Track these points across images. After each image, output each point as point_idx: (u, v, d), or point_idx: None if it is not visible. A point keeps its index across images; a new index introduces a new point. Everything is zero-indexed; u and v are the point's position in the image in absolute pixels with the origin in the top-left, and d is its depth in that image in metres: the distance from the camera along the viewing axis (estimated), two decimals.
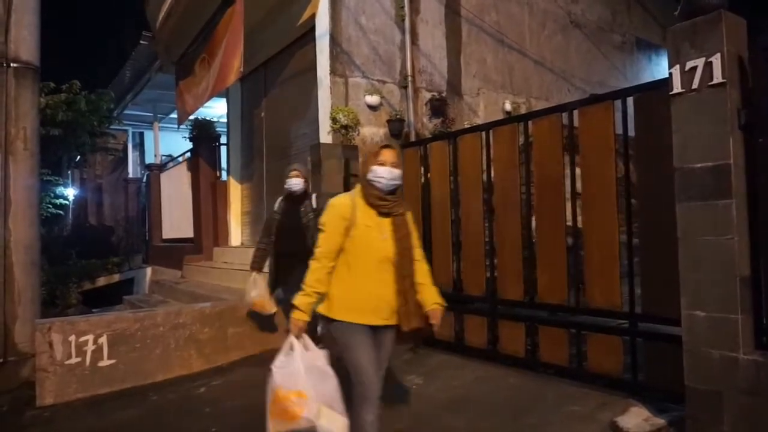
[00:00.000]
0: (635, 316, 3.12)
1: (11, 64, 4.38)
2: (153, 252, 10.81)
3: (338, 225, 2.30)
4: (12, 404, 3.80)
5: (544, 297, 3.62)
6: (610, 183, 3.24)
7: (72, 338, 3.83)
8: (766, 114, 2.41)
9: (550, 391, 3.27)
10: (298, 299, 2.30)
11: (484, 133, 4.10)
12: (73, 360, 3.82)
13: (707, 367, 2.44)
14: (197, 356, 4.34)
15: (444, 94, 6.41)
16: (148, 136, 14.35)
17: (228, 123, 8.91)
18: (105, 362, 3.93)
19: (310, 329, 2.37)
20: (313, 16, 5.79)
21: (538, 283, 3.67)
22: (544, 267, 3.63)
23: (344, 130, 5.53)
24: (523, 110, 6.88)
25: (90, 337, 3.89)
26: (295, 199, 4.22)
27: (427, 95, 6.29)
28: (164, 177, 10.64)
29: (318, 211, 4.13)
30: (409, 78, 6.13)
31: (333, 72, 5.68)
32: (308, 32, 6.12)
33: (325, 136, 5.61)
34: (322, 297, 2.33)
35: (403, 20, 6.14)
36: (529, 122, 3.79)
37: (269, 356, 4.21)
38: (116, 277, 11.29)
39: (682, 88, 2.53)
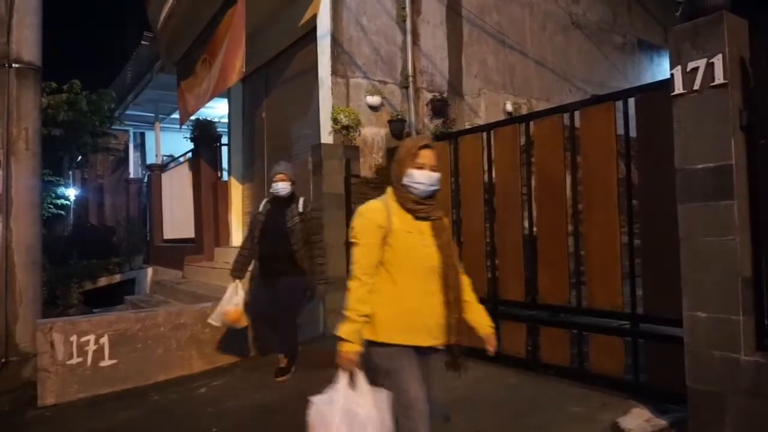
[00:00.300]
0: (637, 317, 3.12)
1: (13, 65, 4.38)
2: (154, 252, 10.82)
3: (375, 234, 2.00)
4: (13, 404, 3.80)
5: (545, 297, 3.62)
6: (611, 184, 3.24)
7: (73, 338, 3.83)
8: None
9: (552, 392, 3.27)
10: (343, 328, 1.95)
11: (485, 134, 4.10)
12: (75, 360, 3.82)
13: (709, 368, 2.44)
14: (198, 356, 4.34)
15: (445, 95, 6.41)
16: (150, 136, 14.37)
17: (229, 123, 8.91)
18: (106, 362, 3.93)
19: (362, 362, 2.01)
20: (314, 17, 5.80)
21: (539, 283, 3.67)
22: (545, 267, 3.63)
23: (345, 130, 5.54)
24: (524, 111, 6.88)
25: (91, 338, 3.89)
26: (281, 202, 4.05)
27: (428, 96, 6.29)
28: (165, 177, 10.65)
29: (305, 215, 4.01)
30: (410, 78, 6.13)
31: (334, 72, 5.68)
32: (309, 33, 6.12)
33: (326, 137, 5.61)
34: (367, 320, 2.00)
35: (405, 21, 6.15)
36: (531, 123, 3.79)
37: (269, 356, 4.23)
38: (117, 278, 11.30)
39: (683, 88, 2.53)
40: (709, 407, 2.44)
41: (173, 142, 12.63)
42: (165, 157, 11.78)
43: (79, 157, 13.38)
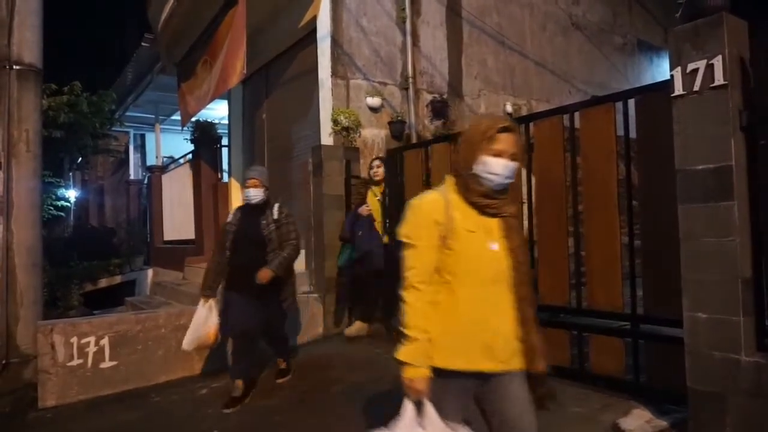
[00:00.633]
0: (637, 317, 3.12)
1: (14, 66, 4.39)
2: (154, 253, 10.81)
3: (431, 234, 1.66)
4: (14, 406, 3.81)
5: (545, 298, 3.62)
6: (611, 184, 3.24)
7: (74, 340, 3.83)
8: None
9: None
10: (404, 350, 1.63)
11: None
12: (75, 362, 3.82)
13: (709, 368, 2.44)
14: (199, 358, 4.34)
15: (445, 96, 6.42)
16: (150, 137, 14.37)
17: (229, 125, 8.93)
18: (107, 364, 3.93)
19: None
20: (314, 18, 5.80)
21: (540, 284, 3.67)
22: (546, 268, 3.63)
23: (345, 131, 5.54)
24: (524, 112, 6.89)
25: (92, 339, 3.90)
26: (254, 210, 3.76)
27: (428, 97, 6.30)
28: (166, 179, 10.65)
29: (279, 222, 3.76)
30: (410, 80, 6.14)
31: (334, 74, 5.69)
32: (309, 34, 6.13)
33: (327, 138, 5.62)
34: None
35: (404, 22, 6.16)
36: (531, 124, 3.79)
37: (269, 357, 4.23)
38: (118, 279, 11.29)
39: (683, 89, 2.54)
40: (710, 408, 2.44)
41: (173, 143, 12.63)
42: (165, 159, 11.79)
43: (80, 159, 13.38)
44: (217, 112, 10.11)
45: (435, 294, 1.67)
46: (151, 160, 13.46)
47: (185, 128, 9.02)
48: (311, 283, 5.48)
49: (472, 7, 6.84)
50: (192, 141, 8.87)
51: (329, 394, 3.67)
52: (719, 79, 2.40)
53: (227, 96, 8.62)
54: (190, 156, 9.31)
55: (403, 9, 6.15)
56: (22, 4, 4.47)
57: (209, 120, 9.11)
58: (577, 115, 3.47)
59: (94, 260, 11.44)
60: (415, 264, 1.67)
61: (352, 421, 3.19)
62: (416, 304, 1.65)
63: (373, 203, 4.96)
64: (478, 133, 1.71)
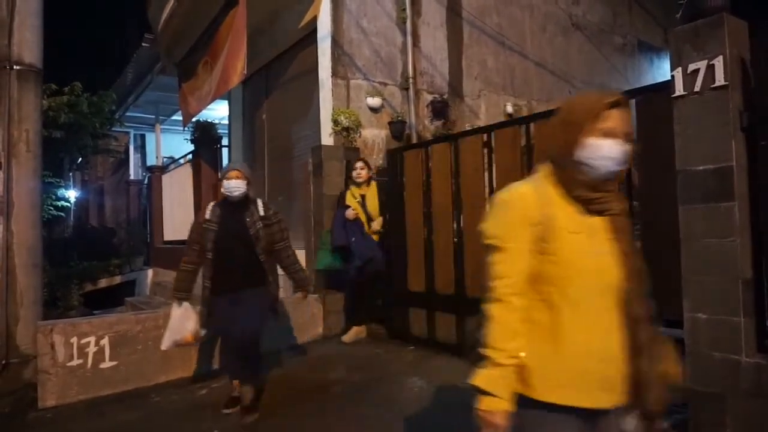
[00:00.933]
0: None
1: (14, 67, 4.39)
2: (154, 254, 10.81)
3: (524, 235, 1.35)
4: (14, 406, 3.80)
5: None
6: None
7: (74, 340, 3.82)
8: None
9: None
10: (483, 375, 1.33)
11: (485, 135, 4.11)
12: (75, 362, 3.82)
13: (709, 369, 2.44)
14: (199, 358, 4.33)
15: (445, 96, 6.42)
16: (150, 138, 14.37)
17: (229, 125, 8.93)
18: (107, 364, 3.93)
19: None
20: (314, 19, 5.80)
21: None
22: None
23: (346, 132, 5.54)
24: (524, 112, 6.89)
25: (92, 339, 3.89)
26: (236, 206, 3.39)
27: (429, 97, 6.30)
28: (166, 179, 10.65)
29: (268, 219, 3.43)
30: (411, 80, 6.14)
31: (334, 74, 5.69)
32: (310, 34, 6.13)
33: (327, 138, 5.62)
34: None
35: (405, 22, 6.16)
36: (531, 124, 3.79)
37: (271, 357, 4.23)
38: (118, 279, 11.29)
39: (684, 90, 2.54)
40: (710, 408, 2.44)
41: (174, 143, 12.63)
42: (165, 159, 11.79)
43: (80, 159, 13.38)
44: (218, 112, 10.11)
45: (529, 310, 1.35)
46: (151, 161, 13.46)
47: (185, 128, 9.04)
48: (311, 282, 5.47)
49: (472, 8, 6.84)
50: (192, 141, 8.88)
51: (329, 395, 3.67)
52: (720, 79, 2.40)
53: (227, 96, 8.63)
54: (190, 156, 9.32)
55: (404, 10, 6.15)
56: (23, 4, 4.47)
57: (209, 120, 9.13)
58: None
59: (94, 260, 11.44)
60: (506, 272, 1.35)
61: (352, 422, 3.19)
62: (505, 322, 1.33)
63: (354, 206, 4.82)
64: (582, 111, 1.37)
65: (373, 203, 4.88)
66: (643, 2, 9.25)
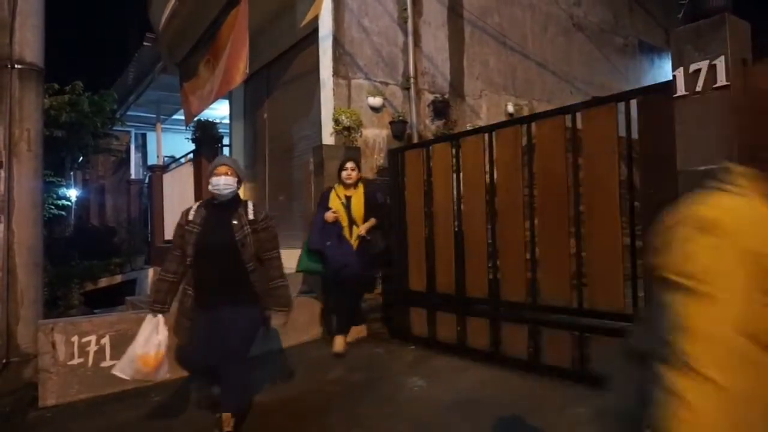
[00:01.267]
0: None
1: (15, 66, 4.39)
2: (155, 253, 10.80)
3: (740, 275, 0.81)
4: (15, 405, 3.81)
5: (546, 299, 3.62)
6: (613, 185, 3.23)
7: (74, 339, 3.83)
8: None
9: (554, 394, 3.27)
10: None
11: (486, 135, 4.11)
12: (76, 361, 3.82)
13: None
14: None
15: (446, 96, 6.42)
16: (151, 137, 14.39)
17: (230, 124, 8.93)
18: (107, 363, 3.92)
19: None
20: (316, 18, 5.80)
21: (541, 285, 3.67)
22: (547, 269, 3.63)
23: (347, 131, 5.54)
24: (525, 112, 6.89)
25: (92, 338, 3.90)
26: (223, 208, 3.03)
27: (430, 97, 6.30)
28: (167, 178, 10.65)
29: (257, 224, 3.02)
30: (412, 80, 6.14)
31: (336, 74, 5.69)
32: (311, 34, 6.13)
33: (328, 138, 5.62)
34: None
35: (406, 22, 6.16)
36: (532, 124, 3.79)
37: (270, 357, 4.23)
38: (118, 278, 11.30)
39: (685, 90, 2.54)
40: None
41: (174, 142, 12.65)
42: (166, 158, 11.80)
43: (81, 158, 13.39)
44: (219, 111, 10.12)
45: (745, 383, 0.77)
46: (152, 160, 13.47)
47: (188, 127, 9.05)
48: (311, 282, 5.47)
49: (473, 8, 6.84)
50: (193, 140, 8.89)
51: (329, 394, 3.67)
52: (721, 79, 2.40)
53: (229, 95, 8.63)
54: (191, 155, 9.32)
55: (405, 9, 6.15)
56: (24, 3, 4.48)
57: (210, 119, 9.13)
58: (579, 115, 3.47)
59: (94, 259, 11.45)
60: (712, 330, 0.80)
61: (352, 422, 3.18)
62: (709, 410, 0.76)
63: (337, 208, 4.52)
64: None
65: (358, 206, 4.54)
66: (644, 3, 9.25)
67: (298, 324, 4.95)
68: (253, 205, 3.14)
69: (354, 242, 4.48)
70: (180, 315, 3.07)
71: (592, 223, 3.36)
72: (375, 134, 5.87)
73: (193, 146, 9.01)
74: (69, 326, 3.87)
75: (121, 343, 3.99)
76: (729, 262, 0.84)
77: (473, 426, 3.01)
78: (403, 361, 4.27)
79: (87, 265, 11.20)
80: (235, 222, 2.98)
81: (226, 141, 8.98)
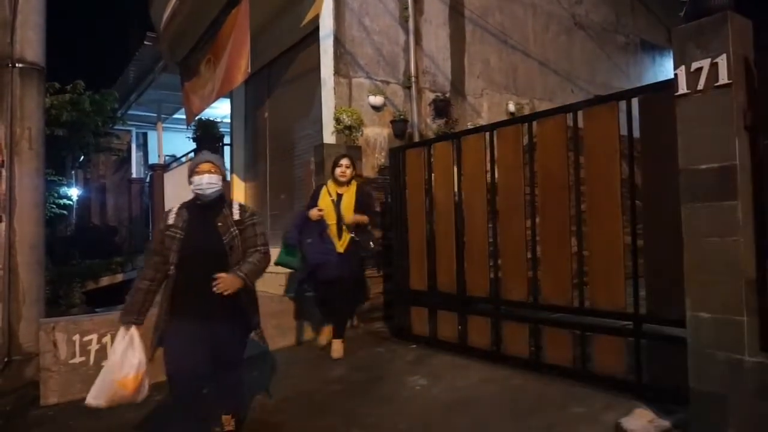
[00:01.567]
0: (639, 317, 3.11)
1: (17, 65, 4.40)
2: None
3: None
4: (16, 403, 3.82)
5: (547, 298, 3.62)
6: (614, 184, 3.23)
7: (76, 338, 3.83)
8: None
9: (555, 393, 3.27)
10: None
11: (488, 134, 4.10)
12: (77, 359, 3.83)
13: (712, 369, 2.43)
14: None
15: (448, 95, 6.42)
16: (152, 136, 14.40)
17: (231, 123, 8.93)
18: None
19: None
20: (317, 17, 5.80)
21: (542, 284, 3.67)
22: (548, 268, 3.62)
23: (348, 130, 5.54)
24: (526, 111, 6.88)
25: (94, 337, 3.90)
26: (207, 209, 2.79)
27: (431, 96, 6.30)
28: (168, 177, 10.67)
29: (243, 224, 2.81)
30: (413, 79, 6.13)
31: (337, 73, 5.69)
32: (312, 33, 6.13)
33: (329, 137, 5.62)
34: None
35: (407, 21, 6.15)
36: (534, 123, 3.79)
37: (268, 357, 4.23)
38: (120, 277, 11.31)
39: (687, 89, 2.53)
40: (713, 408, 2.43)
41: (175, 141, 12.67)
42: (167, 157, 11.81)
43: (82, 157, 13.42)
44: (220, 110, 10.12)
45: None
46: (153, 159, 13.49)
47: (189, 126, 9.06)
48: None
49: (474, 7, 6.83)
50: (194, 139, 8.90)
51: (330, 393, 3.67)
52: (723, 78, 2.39)
53: (230, 94, 8.63)
54: (192, 154, 9.33)
55: (406, 8, 6.14)
56: (25, 2, 4.48)
57: (212, 118, 9.14)
58: (580, 114, 3.46)
59: (96, 259, 11.47)
60: None
61: (353, 422, 3.19)
62: None
63: (327, 205, 4.39)
64: None
65: (348, 205, 4.42)
66: (645, 1, 9.23)
67: (298, 323, 4.96)
68: (239, 205, 2.93)
69: (343, 243, 4.37)
70: (159, 326, 2.79)
71: (593, 222, 3.35)
72: (376, 133, 5.87)
73: (194, 145, 9.02)
74: (70, 325, 3.88)
75: None
76: None
77: (474, 425, 3.01)
78: (404, 360, 4.26)
79: (88, 264, 11.22)
80: (220, 224, 2.77)
81: (227, 140, 8.98)
